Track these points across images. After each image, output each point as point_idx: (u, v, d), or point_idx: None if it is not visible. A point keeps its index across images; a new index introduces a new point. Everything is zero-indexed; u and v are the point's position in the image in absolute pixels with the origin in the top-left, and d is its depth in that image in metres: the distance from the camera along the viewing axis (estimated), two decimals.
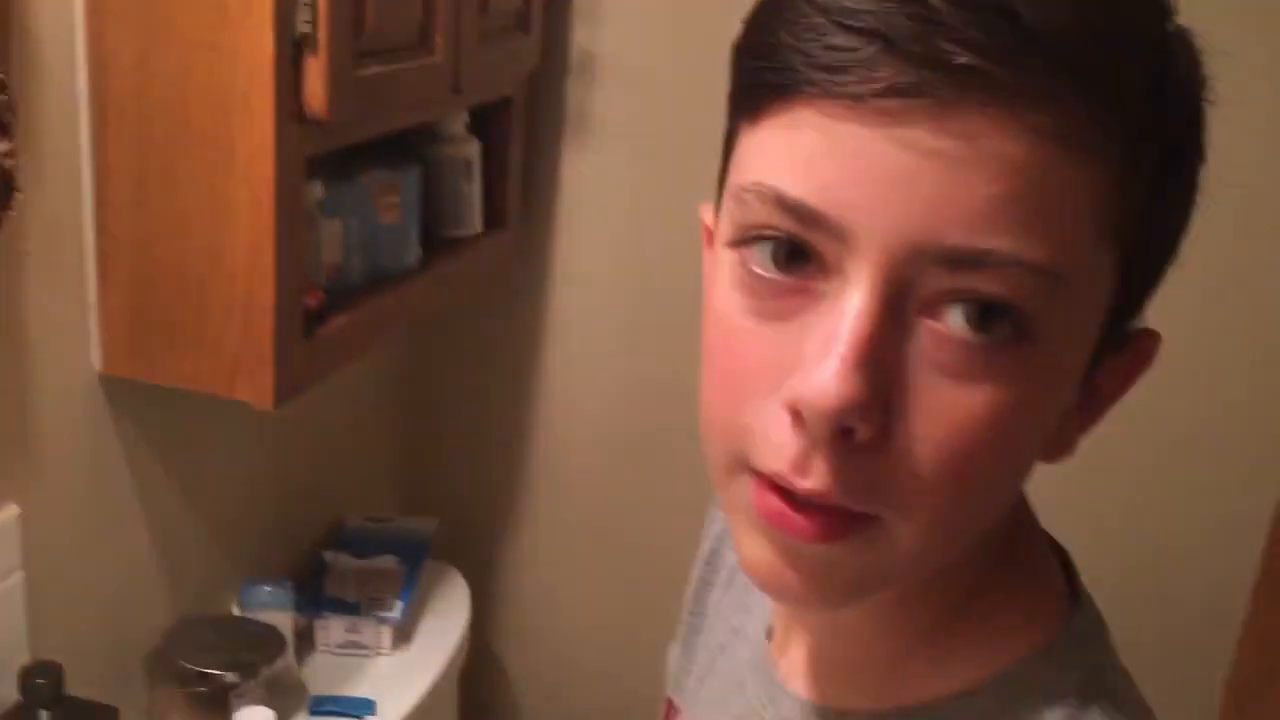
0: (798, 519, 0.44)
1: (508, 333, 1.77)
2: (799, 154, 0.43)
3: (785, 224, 0.44)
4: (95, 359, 1.14)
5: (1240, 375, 1.49)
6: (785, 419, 0.44)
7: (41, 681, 1.06)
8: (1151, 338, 0.50)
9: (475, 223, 1.53)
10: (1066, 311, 0.43)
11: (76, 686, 1.09)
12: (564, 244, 1.70)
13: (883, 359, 0.42)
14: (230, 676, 1.24)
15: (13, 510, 1.08)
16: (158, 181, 1.08)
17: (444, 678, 1.51)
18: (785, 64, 0.43)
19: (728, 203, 0.48)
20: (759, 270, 0.45)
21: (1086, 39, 0.41)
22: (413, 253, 1.39)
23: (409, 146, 1.42)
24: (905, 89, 0.40)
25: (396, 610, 1.50)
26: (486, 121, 1.54)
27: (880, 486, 0.44)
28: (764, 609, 0.64)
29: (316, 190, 1.18)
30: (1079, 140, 0.41)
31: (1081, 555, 0.56)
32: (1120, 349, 0.49)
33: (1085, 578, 0.55)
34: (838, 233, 0.42)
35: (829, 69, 0.42)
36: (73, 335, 1.12)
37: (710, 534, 0.74)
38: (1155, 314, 0.50)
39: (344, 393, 1.63)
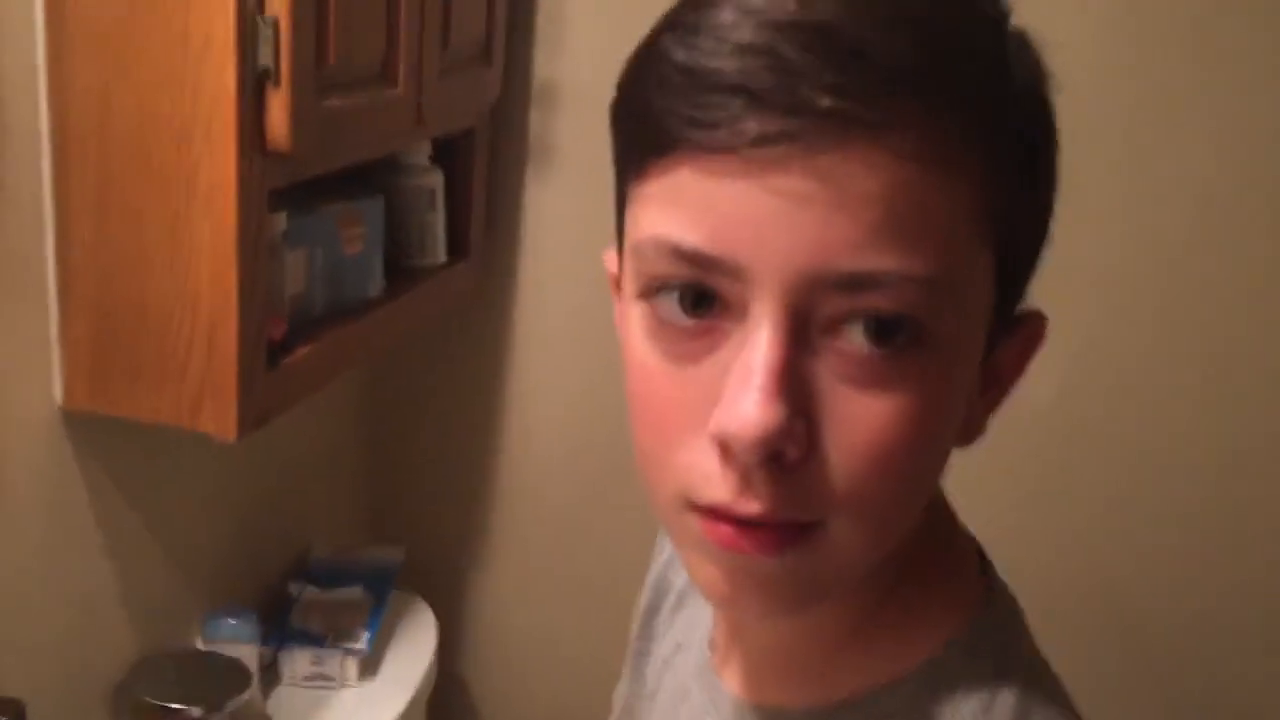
0: (746, 539, 0.47)
1: (472, 362, 1.78)
2: (685, 206, 0.46)
3: (685, 272, 0.47)
4: (56, 393, 1.14)
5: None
6: (716, 453, 0.46)
7: (3, 719, 1.05)
8: (1038, 319, 0.54)
9: (439, 253, 1.54)
10: (955, 312, 0.47)
11: None
12: (527, 273, 1.71)
13: (797, 383, 0.45)
14: (194, 711, 1.23)
15: None
16: (120, 215, 1.08)
17: (411, 709, 1.50)
18: (660, 125, 0.46)
19: (629, 258, 0.50)
20: (669, 318, 0.48)
21: (931, 67, 0.44)
22: (376, 283, 1.40)
23: (372, 177, 1.42)
24: (773, 137, 0.43)
25: (363, 641, 1.49)
26: (450, 152, 1.54)
27: (817, 495, 0.47)
28: (708, 621, 0.66)
29: (280, 222, 1.18)
30: (940, 157, 0.44)
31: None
32: (1011, 333, 0.53)
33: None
34: (735, 273, 0.45)
35: (700, 125, 0.45)
36: (34, 369, 1.11)
37: (659, 561, 0.76)
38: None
39: (308, 423, 1.62)
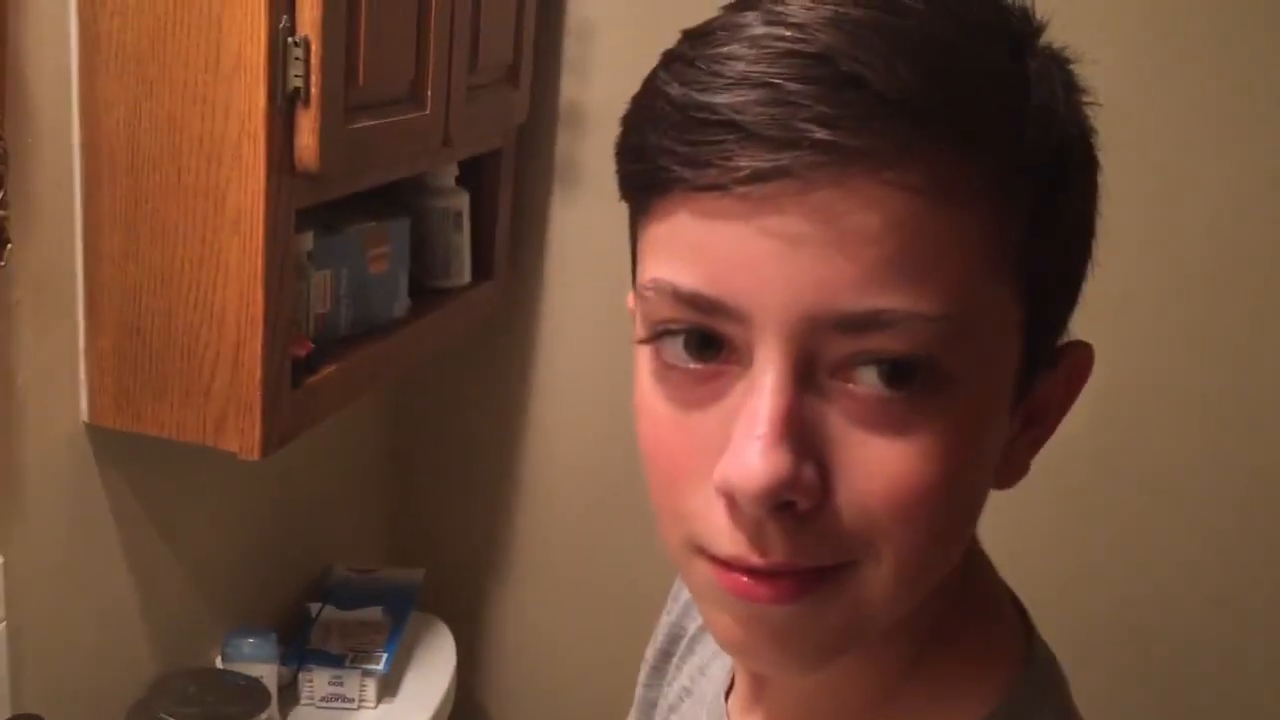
0: (760, 587, 0.45)
1: (494, 383, 1.78)
2: (683, 248, 0.44)
3: (687, 315, 0.45)
4: (82, 409, 1.14)
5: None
6: (724, 504, 0.45)
7: None
8: (1082, 349, 0.51)
9: (463, 273, 1.54)
10: (976, 349, 0.44)
11: None
12: (551, 295, 1.71)
13: (805, 429, 0.43)
14: None
15: None
16: (148, 233, 1.08)
17: None
18: (655, 163, 0.44)
19: (636, 301, 0.49)
20: (674, 362, 0.46)
21: (935, 93, 0.41)
22: (401, 303, 1.40)
23: (398, 197, 1.43)
24: (766, 173, 0.41)
25: (381, 662, 1.49)
26: (476, 173, 1.55)
27: (834, 541, 0.44)
28: (721, 670, 0.64)
29: (306, 241, 1.19)
30: (946, 190, 0.42)
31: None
32: (1052, 366, 0.50)
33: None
34: (736, 316, 0.43)
35: (692, 163, 0.43)
36: (61, 385, 1.12)
37: (674, 608, 0.74)
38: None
39: (331, 443, 1.62)
